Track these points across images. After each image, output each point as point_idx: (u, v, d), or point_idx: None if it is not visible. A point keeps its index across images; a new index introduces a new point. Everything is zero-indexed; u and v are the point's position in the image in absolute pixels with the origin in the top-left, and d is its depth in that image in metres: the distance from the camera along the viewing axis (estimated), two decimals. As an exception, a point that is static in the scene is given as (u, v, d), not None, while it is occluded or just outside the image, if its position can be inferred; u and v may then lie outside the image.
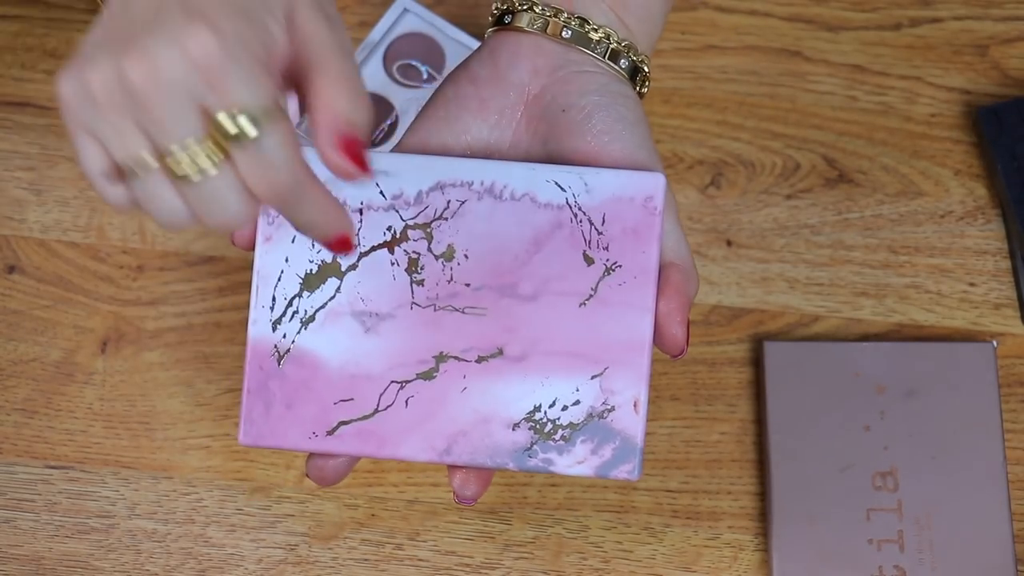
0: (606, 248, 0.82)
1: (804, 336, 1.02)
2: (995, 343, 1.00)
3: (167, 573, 0.98)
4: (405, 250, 0.83)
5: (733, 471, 0.99)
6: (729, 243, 1.04)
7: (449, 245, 0.83)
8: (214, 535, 0.98)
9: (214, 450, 1.00)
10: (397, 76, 1.04)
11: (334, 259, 0.82)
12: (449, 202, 0.83)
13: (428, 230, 0.83)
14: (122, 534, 0.99)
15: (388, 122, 1.03)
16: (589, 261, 0.82)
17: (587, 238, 0.82)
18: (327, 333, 0.81)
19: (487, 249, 0.83)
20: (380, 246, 0.82)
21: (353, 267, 0.82)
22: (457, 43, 1.04)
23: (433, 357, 0.81)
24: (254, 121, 0.68)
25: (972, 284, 1.03)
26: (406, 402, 0.80)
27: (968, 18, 1.08)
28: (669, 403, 1.00)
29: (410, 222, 0.83)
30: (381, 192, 0.83)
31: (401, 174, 0.83)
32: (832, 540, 0.96)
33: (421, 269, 0.82)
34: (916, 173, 1.05)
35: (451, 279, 0.83)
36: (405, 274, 0.82)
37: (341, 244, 0.76)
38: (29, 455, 1.00)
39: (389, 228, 0.83)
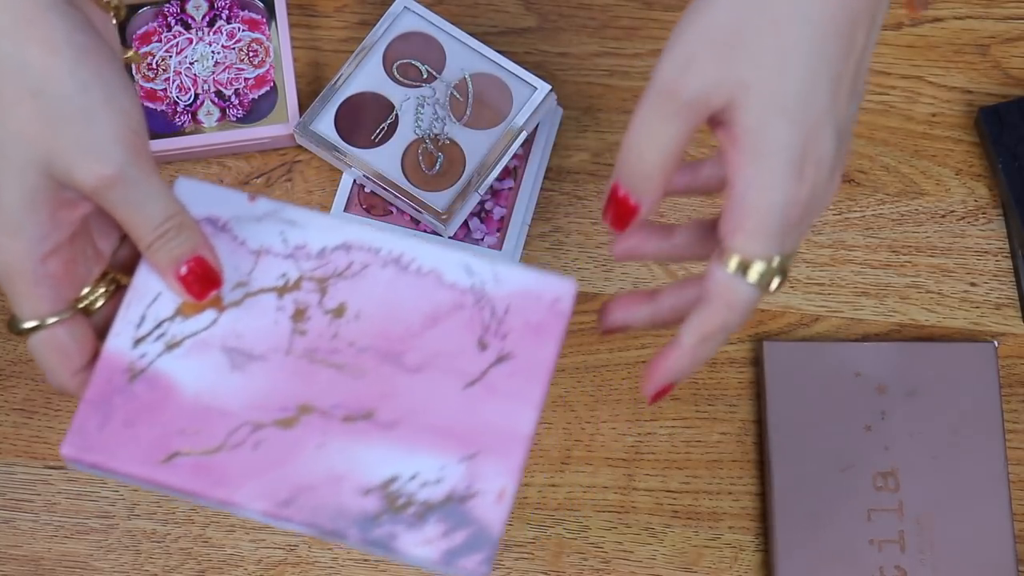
0: (503, 338, 0.81)
1: (805, 336, 1.02)
2: (996, 343, 1.00)
3: (166, 573, 0.98)
4: (295, 299, 0.82)
5: (734, 471, 0.99)
6: (730, 243, 1.03)
7: (342, 303, 0.82)
8: (214, 535, 0.98)
9: (214, 450, 0.99)
10: (397, 75, 1.04)
11: (216, 294, 0.81)
12: (352, 263, 0.84)
13: (324, 285, 0.83)
14: (121, 534, 0.99)
15: (388, 121, 1.03)
16: (483, 346, 0.81)
17: (486, 325, 0.82)
18: (190, 361, 0.79)
19: (380, 314, 0.82)
20: (269, 290, 0.81)
21: (236, 303, 0.80)
22: (457, 41, 1.04)
23: (296, 407, 0.78)
24: None
25: (973, 284, 1.03)
26: (256, 445, 0.77)
27: (969, 17, 1.08)
28: (669, 403, 1.00)
29: (307, 274, 0.83)
30: (284, 239, 0.83)
31: (310, 228, 0.84)
32: (833, 540, 0.96)
33: (307, 320, 0.81)
34: (917, 173, 1.05)
35: (335, 335, 0.82)
36: (289, 321, 0.81)
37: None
38: (28, 455, 1.00)
39: (283, 275, 0.83)
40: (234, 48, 1.06)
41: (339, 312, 0.82)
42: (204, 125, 1.05)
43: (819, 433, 0.98)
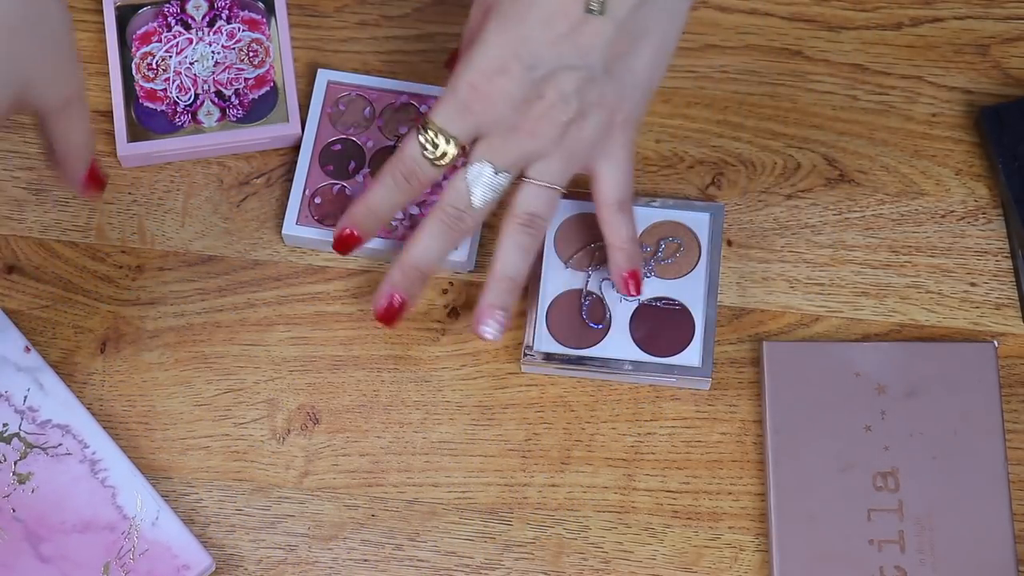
0: (126, 573, 0.92)
1: (804, 336, 1.01)
2: (996, 343, 1.00)
3: (166, 573, 0.98)
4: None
5: (733, 471, 0.99)
6: (729, 243, 1.03)
7: (30, 472, 0.94)
8: (214, 535, 0.98)
9: (213, 450, 0.99)
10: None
11: None
12: (60, 444, 0.95)
13: (28, 450, 0.94)
14: (121, 534, 0.99)
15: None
16: (106, 570, 0.92)
17: (121, 554, 0.93)
18: None
19: (50, 499, 0.93)
20: None
21: None
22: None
23: None
24: None
25: (973, 284, 1.02)
26: None
27: (969, 17, 1.08)
28: (669, 403, 1.00)
29: (23, 434, 0.95)
30: (26, 396, 0.96)
31: (51, 397, 0.96)
32: (833, 540, 0.95)
33: None
34: (917, 173, 1.05)
35: (7, 496, 0.94)
36: None
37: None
38: None
39: (5, 425, 0.95)
40: (234, 48, 1.06)
41: (23, 479, 0.94)
42: (204, 125, 1.05)
43: (819, 433, 0.98)
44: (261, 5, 1.07)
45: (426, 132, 0.95)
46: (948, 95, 1.06)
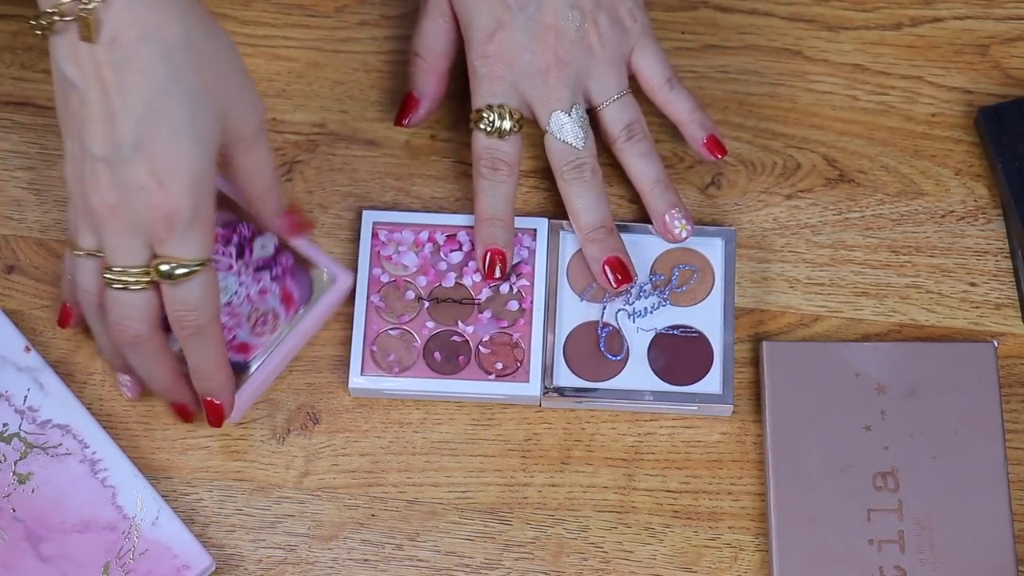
0: (126, 573, 0.92)
1: (804, 336, 1.02)
2: (996, 343, 1.00)
3: (167, 573, 0.98)
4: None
5: (733, 471, 0.99)
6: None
7: (30, 472, 0.94)
8: (214, 535, 0.98)
9: (214, 450, 0.99)
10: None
11: None
12: (60, 444, 0.95)
13: (28, 450, 0.94)
14: (122, 534, 0.99)
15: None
16: (106, 571, 0.92)
17: (121, 554, 0.93)
18: None
19: (50, 499, 0.94)
20: None
21: None
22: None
23: None
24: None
25: (973, 284, 1.02)
26: None
27: (969, 17, 1.08)
28: (669, 403, 1.00)
29: (23, 434, 0.95)
30: (26, 396, 0.96)
31: (51, 397, 0.97)
32: (833, 540, 0.95)
33: None
34: (917, 173, 1.05)
35: (7, 495, 0.94)
36: None
37: (179, 411, 0.97)
38: None
39: (5, 424, 0.95)
40: (253, 303, 1.00)
41: (23, 479, 0.94)
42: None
43: (819, 433, 0.98)
44: (310, 289, 1.00)
45: (480, 120, 0.98)
46: (948, 95, 1.06)
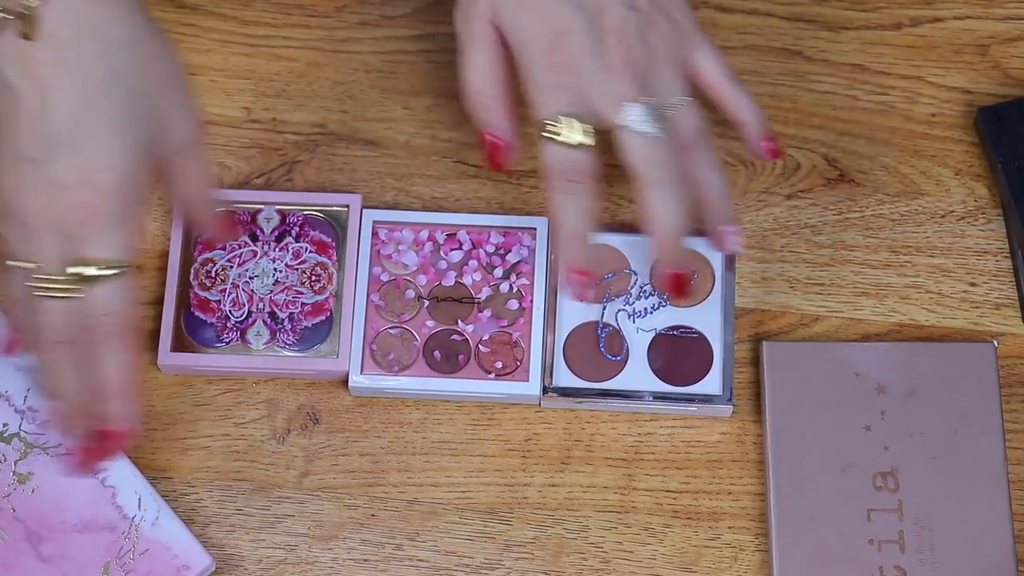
0: (126, 573, 0.93)
1: (804, 336, 1.02)
2: (996, 343, 1.00)
3: (167, 573, 0.98)
4: None
5: (733, 471, 0.99)
6: (729, 243, 1.03)
7: (31, 472, 0.94)
8: (214, 535, 0.98)
9: (214, 450, 0.99)
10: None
11: None
12: (61, 443, 0.95)
13: (28, 450, 0.95)
14: (122, 534, 0.99)
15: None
16: (106, 571, 0.92)
17: (121, 554, 0.93)
18: None
19: (50, 499, 0.94)
20: None
21: None
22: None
23: None
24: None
25: (973, 284, 1.02)
26: None
27: (969, 17, 1.08)
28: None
29: (23, 434, 0.95)
30: (26, 396, 0.96)
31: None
32: (833, 540, 0.95)
33: None
34: (917, 173, 1.05)
35: (7, 495, 0.94)
36: None
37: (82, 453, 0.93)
38: None
39: (5, 425, 0.96)
40: (297, 269, 1.01)
41: (23, 479, 0.94)
42: (252, 346, 1.00)
43: (819, 433, 0.98)
44: (334, 226, 1.02)
45: (550, 131, 0.93)
46: (948, 95, 1.06)
